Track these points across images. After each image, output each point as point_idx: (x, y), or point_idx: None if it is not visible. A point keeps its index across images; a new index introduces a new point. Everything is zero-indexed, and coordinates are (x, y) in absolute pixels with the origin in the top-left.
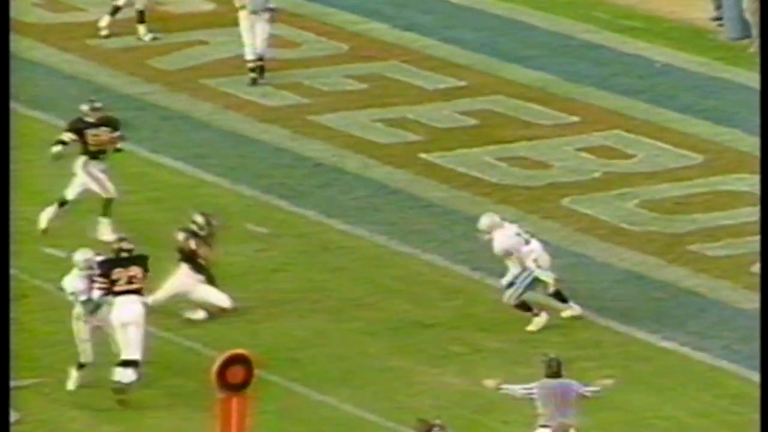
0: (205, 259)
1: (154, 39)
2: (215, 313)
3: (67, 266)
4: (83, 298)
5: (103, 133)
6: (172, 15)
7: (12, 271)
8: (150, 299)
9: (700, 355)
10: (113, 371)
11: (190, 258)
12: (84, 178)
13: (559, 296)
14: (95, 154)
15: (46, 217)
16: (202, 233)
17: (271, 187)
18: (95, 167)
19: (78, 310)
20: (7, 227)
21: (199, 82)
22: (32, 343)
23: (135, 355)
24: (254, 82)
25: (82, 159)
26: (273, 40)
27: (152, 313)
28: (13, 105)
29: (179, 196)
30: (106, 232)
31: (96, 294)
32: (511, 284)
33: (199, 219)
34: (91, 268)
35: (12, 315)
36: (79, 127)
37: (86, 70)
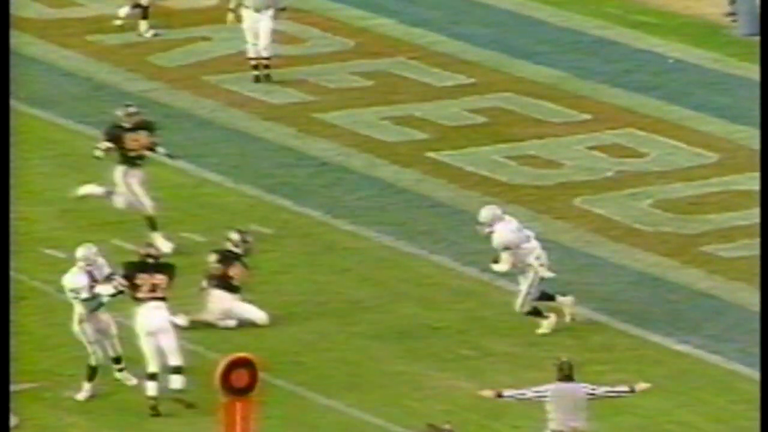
0: (238, 278)
1: (155, 35)
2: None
3: (66, 267)
4: (84, 295)
5: (142, 137)
6: (174, 10)
7: (10, 273)
8: (184, 319)
9: (715, 359)
10: (146, 385)
11: (221, 281)
12: (123, 190)
13: (546, 296)
14: (134, 161)
15: (88, 189)
16: (237, 250)
17: (275, 186)
18: (134, 178)
19: (79, 311)
20: (7, 228)
21: (201, 79)
22: (31, 346)
23: (177, 361)
24: (257, 79)
25: (121, 168)
26: (277, 36)
27: None
28: (11, 102)
29: (181, 195)
30: (162, 244)
31: (104, 290)
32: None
33: (235, 236)
34: (92, 263)
35: (11, 318)
36: (115, 134)
37: (86, 66)
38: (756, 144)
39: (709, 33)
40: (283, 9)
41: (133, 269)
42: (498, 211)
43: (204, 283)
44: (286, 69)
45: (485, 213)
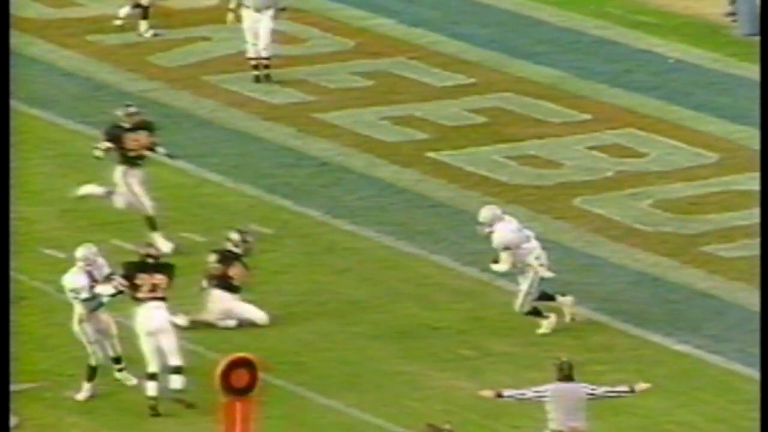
0: (238, 278)
1: (155, 35)
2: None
3: (66, 267)
4: (84, 295)
5: (142, 137)
6: (174, 10)
7: (10, 273)
8: (184, 319)
9: (714, 359)
10: (146, 385)
11: (221, 281)
12: (123, 190)
13: (546, 296)
14: (134, 161)
15: (88, 189)
16: (237, 250)
17: (275, 186)
18: (134, 178)
19: (79, 311)
20: (7, 228)
21: (201, 79)
22: (31, 346)
23: (177, 361)
24: (257, 79)
25: (121, 168)
26: (277, 36)
27: None
28: (11, 102)
29: (181, 195)
30: (162, 244)
31: (104, 290)
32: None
33: (235, 236)
34: (92, 263)
35: (11, 317)
36: (115, 134)
37: (86, 66)
38: (756, 144)
39: (709, 33)
40: (283, 9)
41: (133, 269)
42: (498, 211)
43: (204, 283)
44: (286, 69)
45: (485, 213)
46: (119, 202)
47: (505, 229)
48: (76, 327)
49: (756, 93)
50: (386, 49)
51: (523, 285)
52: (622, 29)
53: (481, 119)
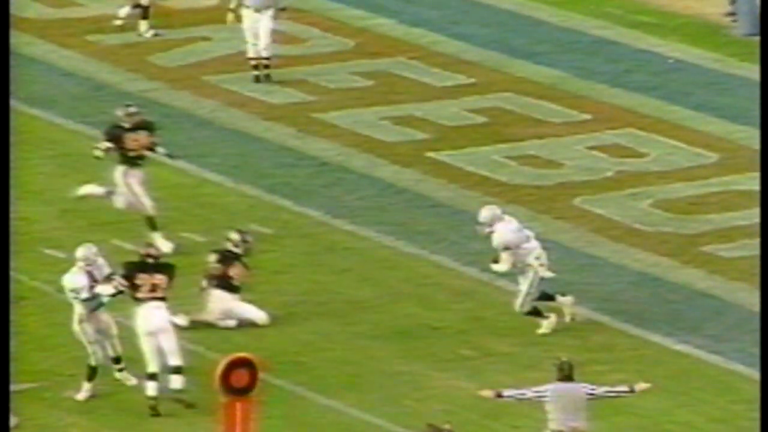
0: (238, 278)
1: (155, 35)
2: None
3: (66, 267)
4: (84, 295)
5: (142, 137)
6: (174, 10)
7: (10, 273)
8: (184, 319)
9: (714, 359)
10: (146, 385)
11: (221, 281)
12: (123, 190)
13: (546, 296)
14: (134, 161)
15: (88, 189)
16: (237, 250)
17: (275, 186)
18: (134, 178)
19: (79, 311)
20: (7, 228)
21: (201, 79)
22: (31, 346)
23: (177, 361)
24: (257, 79)
25: (121, 168)
26: (277, 36)
27: None
28: (11, 102)
29: (181, 195)
30: (162, 244)
31: (104, 290)
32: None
33: (235, 236)
34: (92, 263)
35: (10, 318)
36: (115, 134)
37: (86, 66)
38: (756, 144)
39: (709, 33)
40: (283, 9)
41: (133, 269)
42: (498, 211)
43: (204, 283)
44: (286, 69)
45: (485, 213)
46: (119, 202)
47: (505, 229)
48: (76, 327)
49: (756, 93)
50: (386, 49)
51: (523, 285)
52: (622, 29)
53: (481, 119)
